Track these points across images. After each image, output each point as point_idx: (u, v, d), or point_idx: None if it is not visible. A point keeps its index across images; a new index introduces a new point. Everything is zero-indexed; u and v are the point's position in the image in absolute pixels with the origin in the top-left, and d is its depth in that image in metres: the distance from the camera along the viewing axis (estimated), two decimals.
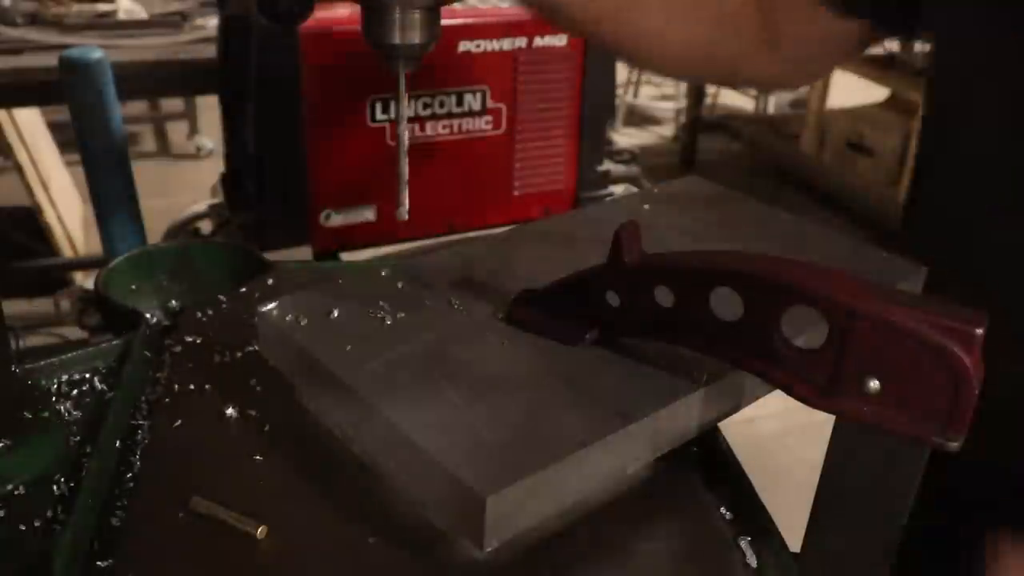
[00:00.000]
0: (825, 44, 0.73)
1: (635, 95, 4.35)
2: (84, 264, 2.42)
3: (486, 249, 0.65)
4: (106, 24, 1.76)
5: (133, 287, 0.74)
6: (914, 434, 0.41)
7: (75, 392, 0.62)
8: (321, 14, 1.33)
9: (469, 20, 1.33)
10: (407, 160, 0.56)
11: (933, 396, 0.39)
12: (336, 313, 0.56)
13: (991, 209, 0.59)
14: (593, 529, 0.50)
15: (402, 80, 0.55)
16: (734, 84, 0.79)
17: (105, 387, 0.62)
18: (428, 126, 1.35)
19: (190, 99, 3.82)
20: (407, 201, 0.57)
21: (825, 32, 0.71)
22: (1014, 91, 0.56)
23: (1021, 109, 0.56)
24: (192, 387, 0.60)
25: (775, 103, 4.44)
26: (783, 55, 0.74)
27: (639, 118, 4.44)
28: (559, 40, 1.38)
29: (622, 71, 3.92)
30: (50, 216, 2.48)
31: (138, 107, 4.09)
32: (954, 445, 0.40)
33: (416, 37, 0.53)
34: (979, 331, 0.38)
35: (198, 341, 0.65)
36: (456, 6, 1.34)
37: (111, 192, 1.50)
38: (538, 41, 1.37)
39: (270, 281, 0.73)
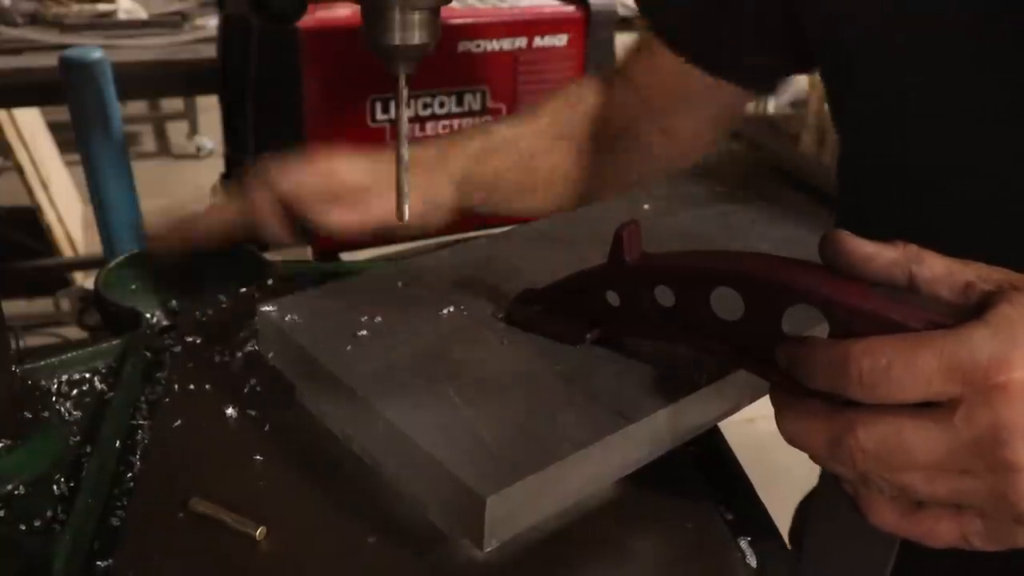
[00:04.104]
0: (706, 108, 0.79)
1: None
2: (84, 264, 2.42)
3: (486, 249, 0.65)
4: (106, 24, 1.75)
5: (133, 287, 0.73)
6: None
7: (75, 392, 0.62)
8: (321, 14, 1.33)
9: (469, 20, 1.32)
10: (407, 170, 0.56)
11: None
12: (336, 313, 0.56)
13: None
14: (593, 529, 0.50)
15: (402, 82, 0.54)
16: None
17: (105, 387, 0.62)
18: (428, 126, 1.35)
19: (190, 99, 3.82)
20: (407, 211, 0.56)
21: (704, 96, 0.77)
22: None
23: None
24: (192, 387, 0.60)
25: (775, 103, 4.42)
26: (673, 133, 0.80)
27: None
28: (559, 40, 1.38)
29: None
30: (50, 216, 2.48)
31: (138, 107, 4.09)
32: None
33: (415, 38, 0.52)
34: None
35: (198, 341, 0.65)
36: (456, 6, 1.34)
37: (111, 192, 1.50)
38: (538, 41, 1.37)
39: (270, 281, 0.73)
